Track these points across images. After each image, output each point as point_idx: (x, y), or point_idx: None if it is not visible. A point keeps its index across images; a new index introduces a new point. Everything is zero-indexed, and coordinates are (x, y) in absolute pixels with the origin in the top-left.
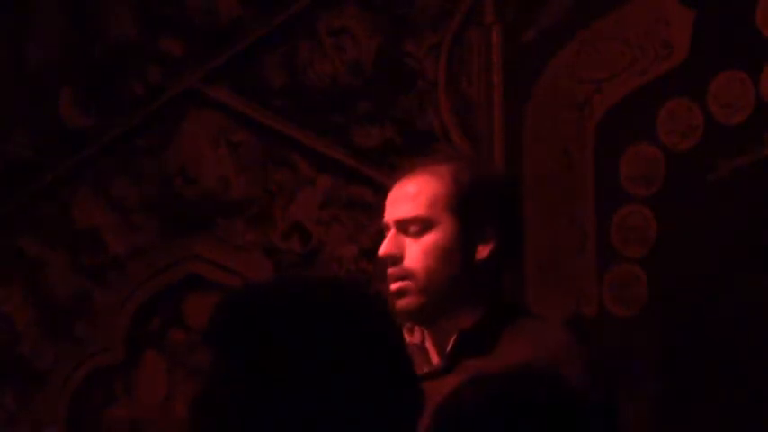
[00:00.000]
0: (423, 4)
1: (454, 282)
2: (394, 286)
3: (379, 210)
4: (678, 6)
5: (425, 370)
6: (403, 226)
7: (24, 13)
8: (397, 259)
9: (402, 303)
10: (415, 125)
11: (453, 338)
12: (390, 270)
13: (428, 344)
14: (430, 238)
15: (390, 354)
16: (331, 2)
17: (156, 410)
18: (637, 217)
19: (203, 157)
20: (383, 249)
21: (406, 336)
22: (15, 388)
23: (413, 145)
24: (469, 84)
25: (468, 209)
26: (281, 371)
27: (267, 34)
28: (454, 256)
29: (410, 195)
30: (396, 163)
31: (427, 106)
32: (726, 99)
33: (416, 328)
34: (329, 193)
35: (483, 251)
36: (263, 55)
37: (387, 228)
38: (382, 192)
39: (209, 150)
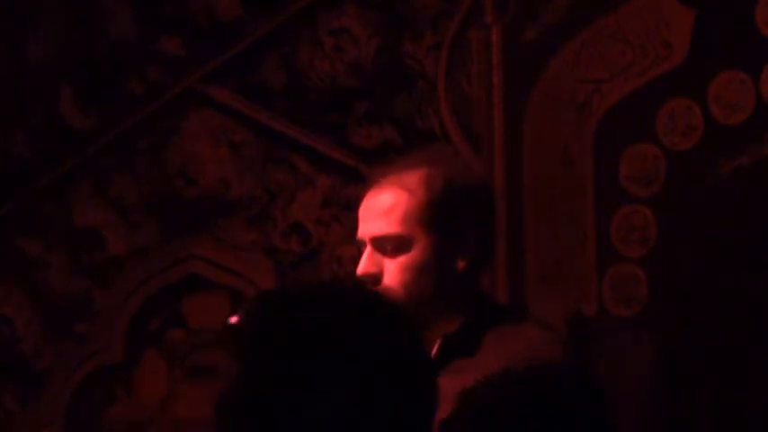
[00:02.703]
0: (423, 4)
1: (435, 295)
2: None
3: None
4: (678, 6)
5: None
6: (379, 243)
7: (24, 13)
8: (375, 278)
9: None
10: (415, 125)
11: (438, 344)
12: None
13: None
14: (407, 257)
15: (413, 364)
16: (331, 2)
17: (156, 410)
18: (637, 217)
19: (203, 157)
20: (361, 269)
21: None
22: (15, 388)
23: (413, 145)
24: (469, 84)
25: (444, 221)
26: (305, 374)
27: (267, 34)
28: (433, 271)
29: (383, 211)
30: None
31: (427, 106)
32: (726, 99)
33: None
34: (329, 193)
35: (462, 262)
36: (263, 55)
37: (362, 243)
38: None
39: (209, 150)
